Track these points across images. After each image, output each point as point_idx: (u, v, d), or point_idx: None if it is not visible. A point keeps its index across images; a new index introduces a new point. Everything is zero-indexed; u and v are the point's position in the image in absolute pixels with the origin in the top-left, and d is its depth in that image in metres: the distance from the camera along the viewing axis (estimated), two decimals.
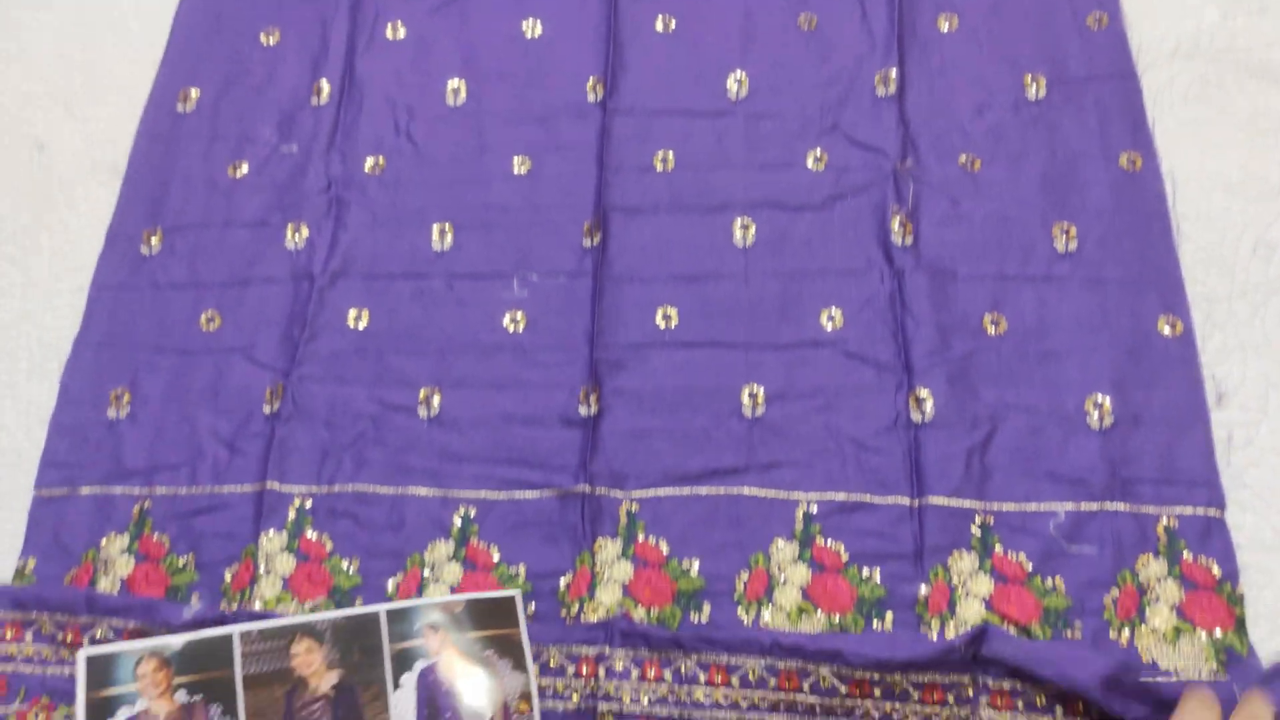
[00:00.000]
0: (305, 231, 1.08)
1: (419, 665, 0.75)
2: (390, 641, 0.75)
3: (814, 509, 0.92)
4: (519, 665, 0.75)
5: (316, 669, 0.74)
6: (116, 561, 0.95)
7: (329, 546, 0.94)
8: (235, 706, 0.72)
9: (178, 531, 0.96)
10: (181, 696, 0.72)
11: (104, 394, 1.02)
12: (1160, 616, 0.85)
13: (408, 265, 1.06)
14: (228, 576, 0.93)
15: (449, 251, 1.06)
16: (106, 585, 0.94)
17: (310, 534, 0.95)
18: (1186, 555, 0.87)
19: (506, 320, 1.02)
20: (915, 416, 0.94)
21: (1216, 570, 0.86)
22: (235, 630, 0.74)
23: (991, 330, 0.97)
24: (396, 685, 0.74)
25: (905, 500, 0.91)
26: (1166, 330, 0.96)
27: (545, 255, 1.05)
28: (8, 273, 1.10)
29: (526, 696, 0.74)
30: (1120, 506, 0.89)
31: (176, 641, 0.74)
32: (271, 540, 0.94)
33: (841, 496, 0.92)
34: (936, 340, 0.97)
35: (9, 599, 0.91)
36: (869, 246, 1.02)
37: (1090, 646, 0.84)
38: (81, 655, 0.75)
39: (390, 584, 0.91)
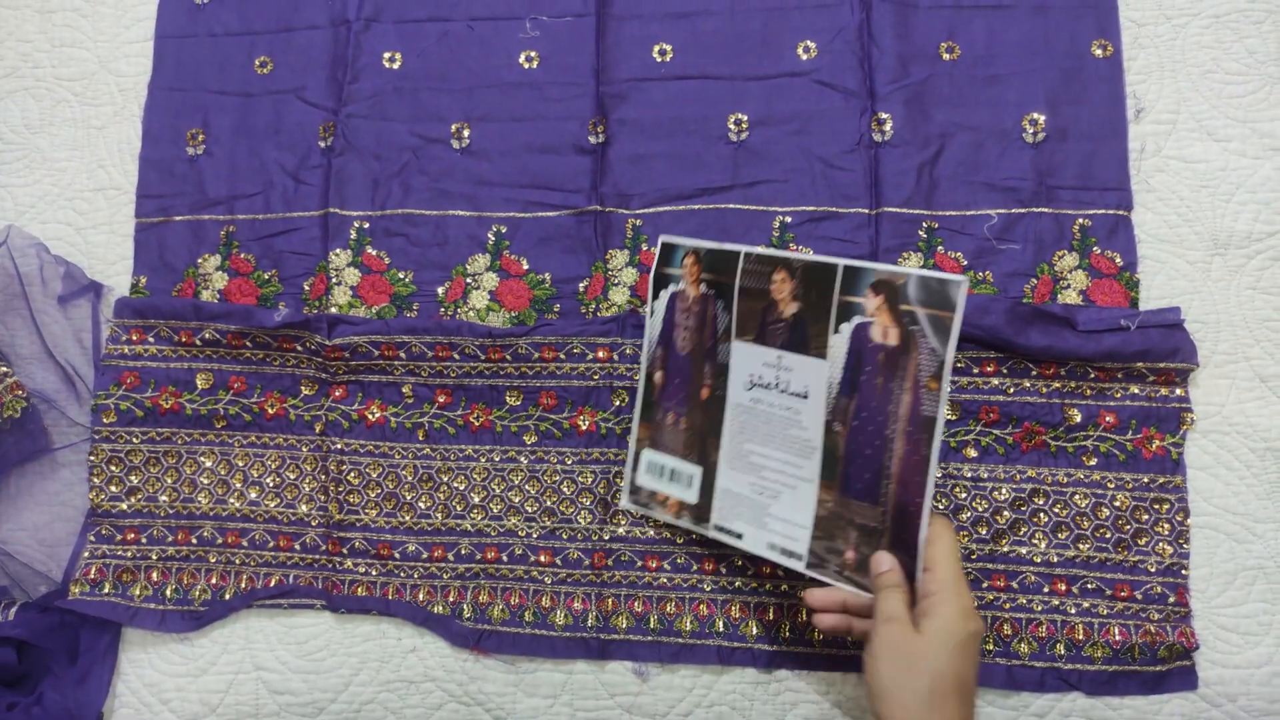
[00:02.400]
0: None
1: (856, 319, 0.82)
2: (840, 293, 0.83)
3: (788, 219, 1.02)
4: (939, 347, 0.78)
5: (785, 297, 0.87)
6: (213, 277, 1.06)
7: (387, 260, 1.05)
8: (731, 307, 0.91)
9: (260, 251, 1.07)
10: (703, 289, 0.93)
11: (181, 133, 1.11)
12: (1069, 300, 0.97)
13: (432, 10, 1.11)
14: (306, 287, 1.05)
15: None
16: (208, 297, 1.06)
17: (370, 250, 1.05)
18: (1096, 250, 0.98)
19: (522, 59, 1.08)
20: (876, 137, 1.02)
21: (1119, 261, 0.98)
22: (741, 250, 0.90)
23: (946, 57, 1.04)
24: (836, 330, 0.84)
25: (865, 210, 1.01)
26: (1099, 52, 1.03)
27: None
28: (79, 24, 1.16)
29: (938, 376, 0.78)
30: (1044, 210, 1.00)
31: (707, 245, 0.93)
32: (339, 256, 1.05)
33: (811, 208, 1.02)
34: (897, 68, 1.03)
35: (131, 309, 1.05)
36: None
37: (994, 297, 0.97)
38: (662, 238, 0.96)
39: (440, 291, 1.04)
